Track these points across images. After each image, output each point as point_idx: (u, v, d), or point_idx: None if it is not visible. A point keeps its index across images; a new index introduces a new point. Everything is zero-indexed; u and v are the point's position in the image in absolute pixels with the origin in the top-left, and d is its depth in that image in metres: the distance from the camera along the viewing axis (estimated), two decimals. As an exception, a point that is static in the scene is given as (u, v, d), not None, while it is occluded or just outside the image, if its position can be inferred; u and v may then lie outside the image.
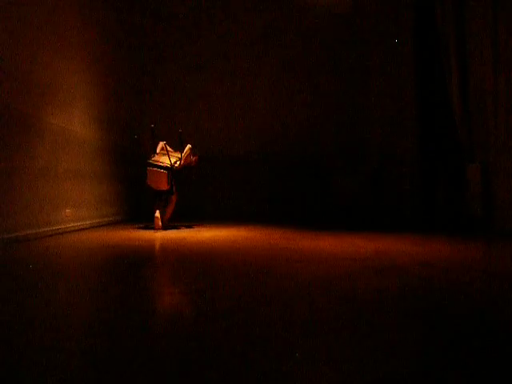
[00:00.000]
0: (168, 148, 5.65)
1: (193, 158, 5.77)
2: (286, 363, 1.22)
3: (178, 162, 5.50)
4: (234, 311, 1.74)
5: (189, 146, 5.59)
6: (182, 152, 5.59)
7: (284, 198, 8.15)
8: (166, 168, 5.39)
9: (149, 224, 5.66)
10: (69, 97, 5.27)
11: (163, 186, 5.40)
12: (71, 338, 1.45)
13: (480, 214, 5.04)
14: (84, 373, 1.18)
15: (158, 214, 5.39)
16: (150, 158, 5.54)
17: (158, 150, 5.64)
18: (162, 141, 5.70)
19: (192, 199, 8.14)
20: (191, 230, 5.46)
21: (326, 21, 8.35)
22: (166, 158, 5.46)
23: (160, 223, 5.35)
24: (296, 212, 8.04)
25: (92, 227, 5.74)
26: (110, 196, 6.59)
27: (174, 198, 5.58)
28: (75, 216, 5.35)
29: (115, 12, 6.95)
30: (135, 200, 7.75)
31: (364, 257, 3.10)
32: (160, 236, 4.67)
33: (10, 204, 3.98)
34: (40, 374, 1.16)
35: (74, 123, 5.38)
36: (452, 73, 5.66)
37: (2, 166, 3.89)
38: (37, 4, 4.51)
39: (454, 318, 1.65)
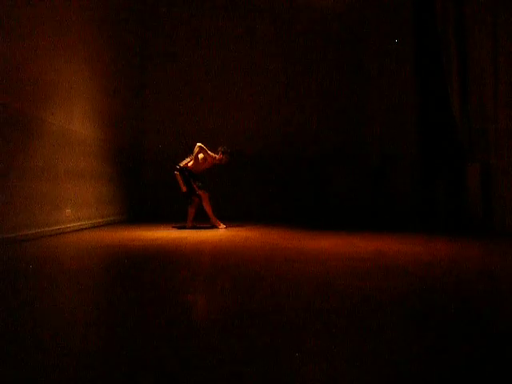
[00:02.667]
0: (195, 149, 5.54)
1: (217, 156, 5.61)
2: (286, 362, 1.21)
3: (190, 163, 5.53)
4: (233, 311, 1.74)
5: (198, 144, 5.54)
6: (214, 152, 5.64)
7: (284, 198, 8.15)
8: (177, 169, 5.51)
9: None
10: (69, 96, 5.27)
11: (182, 188, 5.51)
12: (73, 337, 1.45)
13: (480, 214, 5.04)
14: (85, 373, 1.18)
15: (189, 215, 5.65)
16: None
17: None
18: (199, 143, 5.59)
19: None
20: (191, 229, 5.46)
21: (327, 21, 8.35)
22: (185, 160, 5.59)
23: (189, 224, 5.60)
24: (296, 212, 8.04)
25: (92, 227, 5.74)
26: (109, 196, 6.59)
27: (195, 199, 5.60)
28: (75, 216, 5.34)
29: (115, 12, 6.95)
30: (136, 200, 7.75)
31: (364, 257, 3.10)
32: (161, 236, 4.67)
33: (10, 204, 3.98)
34: (42, 374, 1.16)
35: (74, 123, 5.38)
36: (452, 73, 5.66)
37: (2, 166, 3.89)
38: (36, 4, 4.51)
39: (454, 317, 1.65)
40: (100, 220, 6.13)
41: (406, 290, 2.08)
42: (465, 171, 5.40)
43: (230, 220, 6.59)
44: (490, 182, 4.94)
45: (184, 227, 5.62)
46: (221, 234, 4.98)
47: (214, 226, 5.66)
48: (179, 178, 5.49)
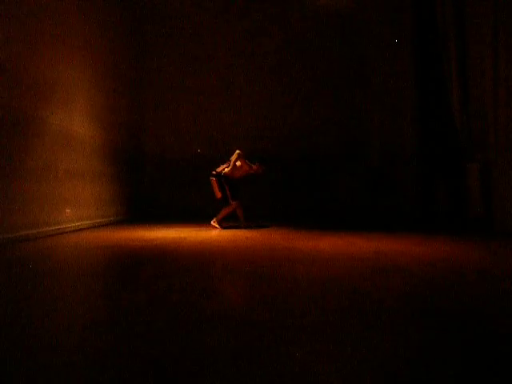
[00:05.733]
0: (234, 156, 5.60)
1: (254, 167, 5.69)
2: (286, 361, 1.21)
3: (227, 169, 5.57)
4: (234, 311, 1.74)
5: (237, 151, 5.61)
6: (250, 163, 5.71)
7: (284, 198, 8.14)
8: (214, 175, 5.57)
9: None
10: (69, 96, 5.27)
11: (216, 194, 5.58)
12: (73, 337, 1.45)
13: (480, 214, 5.03)
14: (86, 373, 1.18)
15: (239, 216, 5.72)
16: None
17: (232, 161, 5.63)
18: (239, 150, 5.67)
19: (192, 199, 8.14)
20: (192, 229, 5.46)
21: (327, 22, 8.35)
22: (222, 166, 5.65)
23: (243, 223, 5.69)
24: (296, 212, 8.03)
25: (92, 227, 5.74)
26: (110, 196, 6.59)
27: (233, 203, 5.59)
28: (75, 216, 5.34)
29: (115, 12, 6.95)
30: (136, 200, 7.74)
31: (364, 257, 3.10)
32: (161, 236, 4.67)
33: (10, 204, 3.98)
34: (43, 373, 1.15)
35: (73, 123, 5.38)
36: (452, 73, 5.66)
37: (2, 166, 3.89)
38: (37, 4, 4.51)
39: (454, 317, 1.65)
40: (100, 220, 6.13)
41: (406, 290, 2.08)
42: (465, 171, 5.40)
43: (230, 220, 6.58)
44: (490, 182, 4.94)
45: (239, 227, 5.70)
46: (220, 234, 4.98)
47: (213, 226, 5.65)
48: (215, 184, 5.56)
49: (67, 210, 5.12)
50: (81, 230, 5.38)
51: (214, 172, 5.61)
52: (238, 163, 5.60)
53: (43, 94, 4.64)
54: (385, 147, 7.68)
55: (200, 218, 6.72)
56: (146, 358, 1.25)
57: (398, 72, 7.29)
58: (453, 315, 1.68)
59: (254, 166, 5.71)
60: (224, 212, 5.66)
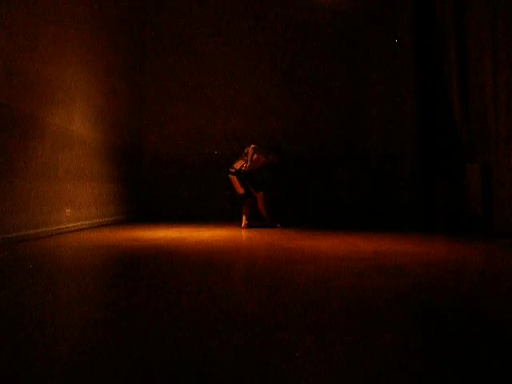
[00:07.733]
0: (250, 151, 5.66)
1: (269, 157, 5.80)
2: (285, 361, 1.21)
3: (245, 165, 5.61)
4: (233, 311, 1.74)
5: (252, 146, 5.67)
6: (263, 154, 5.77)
7: (284, 198, 8.14)
8: (233, 173, 5.62)
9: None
10: (69, 96, 5.27)
11: (239, 190, 5.65)
12: (74, 337, 1.45)
13: (480, 214, 5.04)
14: (84, 371, 1.18)
15: (244, 215, 5.75)
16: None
17: (249, 156, 5.68)
18: (253, 144, 5.75)
19: (192, 200, 8.14)
20: (192, 229, 5.47)
21: (326, 21, 8.35)
22: (239, 162, 5.68)
23: (245, 222, 5.71)
24: (295, 212, 8.03)
25: (92, 227, 5.74)
26: (110, 196, 6.59)
27: (260, 194, 5.67)
28: (75, 216, 5.34)
29: (115, 12, 6.95)
30: (136, 200, 7.74)
31: (364, 257, 3.10)
32: (161, 236, 4.67)
33: (9, 204, 3.98)
34: (42, 373, 1.16)
35: (74, 123, 5.38)
36: (452, 73, 5.66)
37: (2, 167, 3.89)
38: (36, 4, 4.51)
39: (454, 318, 1.65)
40: (100, 220, 6.13)
41: (405, 290, 2.08)
42: (465, 171, 5.40)
43: (230, 220, 6.59)
44: (490, 182, 4.94)
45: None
46: (220, 234, 4.98)
47: (269, 226, 5.71)
48: (236, 181, 5.62)
49: (67, 210, 5.12)
50: (81, 230, 5.38)
51: (233, 170, 5.64)
52: (255, 157, 5.66)
53: (43, 94, 4.63)
54: (385, 147, 7.68)
55: (200, 218, 6.72)
56: (146, 358, 1.25)
57: (398, 72, 7.29)
58: (453, 315, 1.68)
59: (270, 157, 5.79)
60: (262, 208, 5.71)
